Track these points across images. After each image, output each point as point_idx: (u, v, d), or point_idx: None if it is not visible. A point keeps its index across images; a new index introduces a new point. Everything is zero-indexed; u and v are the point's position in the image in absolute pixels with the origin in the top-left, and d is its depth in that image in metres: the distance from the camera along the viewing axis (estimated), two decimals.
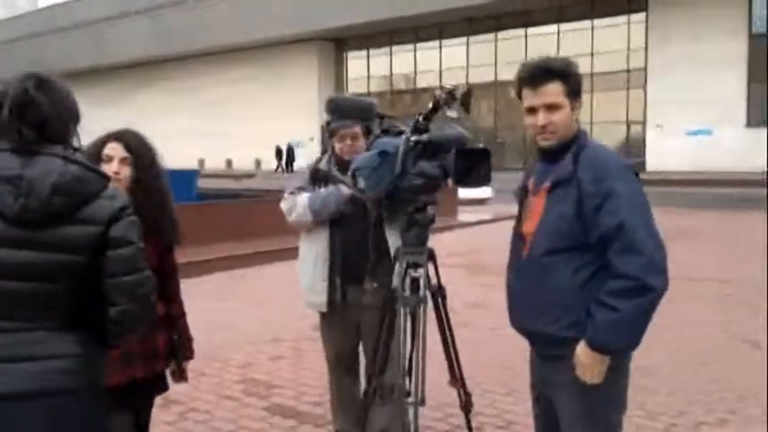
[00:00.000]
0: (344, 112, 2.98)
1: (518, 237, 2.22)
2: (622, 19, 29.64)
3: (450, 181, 2.50)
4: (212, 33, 39.13)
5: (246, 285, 7.81)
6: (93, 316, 1.75)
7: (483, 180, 2.31)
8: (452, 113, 2.37)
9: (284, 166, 37.02)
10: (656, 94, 27.07)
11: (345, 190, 2.95)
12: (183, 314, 2.57)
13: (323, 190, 3.05)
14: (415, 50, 36.30)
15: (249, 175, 31.46)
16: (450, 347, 2.69)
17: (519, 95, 2.15)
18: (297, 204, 3.09)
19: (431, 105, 2.40)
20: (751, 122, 25.78)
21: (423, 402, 2.57)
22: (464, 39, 34.48)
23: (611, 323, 1.99)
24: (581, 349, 2.05)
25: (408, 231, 2.53)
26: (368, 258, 2.91)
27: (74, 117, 1.80)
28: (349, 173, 2.71)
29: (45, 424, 1.66)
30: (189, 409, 3.98)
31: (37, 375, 1.66)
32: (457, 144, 2.34)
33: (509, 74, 29.62)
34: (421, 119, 2.44)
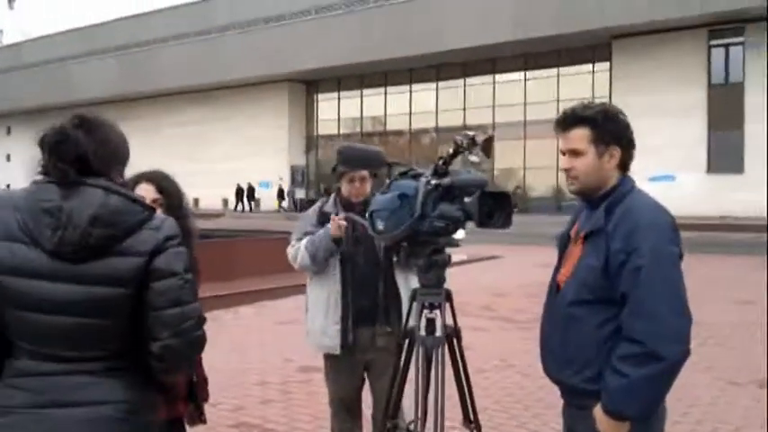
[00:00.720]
0: (353, 160, 3.03)
1: (552, 283, 2.22)
2: (587, 68, 30.59)
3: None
4: (182, 73, 39.16)
5: (224, 327, 7.71)
6: (141, 355, 1.69)
7: (505, 223, 2.36)
8: (474, 158, 2.43)
9: (244, 205, 37.13)
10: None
11: (334, 225, 3.03)
12: (200, 356, 2.54)
13: (319, 233, 3.12)
14: (385, 94, 36.81)
15: (217, 215, 31.20)
16: (465, 388, 2.69)
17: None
18: (299, 250, 3.17)
19: (451, 150, 2.45)
20: (711, 168, 26.63)
21: None
22: (433, 84, 35.12)
23: (621, 390, 1.94)
24: (598, 413, 2.03)
25: (427, 272, 2.55)
26: (377, 297, 2.94)
27: (117, 156, 1.79)
28: (367, 215, 2.74)
29: None
30: None
31: (83, 423, 1.61)
32: (479, 187, 2.38)
33: (477, 119, 30.10)
34: (441, 163, 2.49)
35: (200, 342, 1.73)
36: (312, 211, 3.43)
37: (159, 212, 2.32)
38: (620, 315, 2.00)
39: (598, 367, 2.03)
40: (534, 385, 5.20)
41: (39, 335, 1.64)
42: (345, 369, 3.18)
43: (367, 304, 3.05)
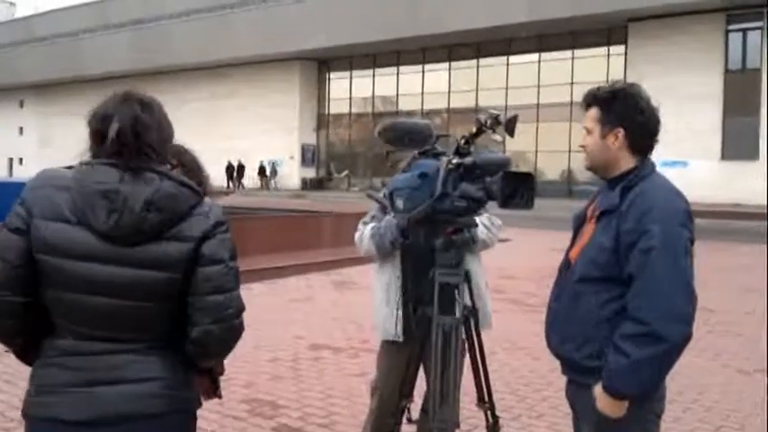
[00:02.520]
0: (405, 140, 2.91)
1: (565, 260, 2.25)
2: (602, 51, 30.26)
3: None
4: (193, 49, 39.05)
5: None
6: (182, 338, 1.70)
7: (527, 204, 2.35)
8: (497, 138, 2.41)
9: (235, 183, 37.33)
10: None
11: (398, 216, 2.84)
12: None
13: (383, 221, 2.93)
14: (397, 74, 36.60)
15: (227, 192, 31.28)
16: (480, 369, 2.70)
17: None
18: (364, 236, 3.02)
19: (474, 129, 2.43)
20: (725, 155, 26.40)
21: (458, 425, 2.57)
22: (446, 64, 34.88)
23: (622, 369, 1.97)
24: (598, 391, 2.05)
25: (445, 252, 2.54)
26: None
27: (171, 136, 1.79)
28: (386, 192, 2.72)
29: None
30: None
31: (121, 399, 1.63)
32: (502, 167, 2.37)
33: (490, 100, 29.82)
34: (463, 142, 2.47)
35: (238, 330, 1.74)
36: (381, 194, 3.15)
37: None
38: (624, 295, 2.03)
39: (599, 345, 2.07)
40: (544, 368, 5.19)
41: (84, 315, 1.64)
42: (404, 357, 2.91)
43: (428, 287, 2.85)
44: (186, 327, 1.68)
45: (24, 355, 1.78)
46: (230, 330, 1.71)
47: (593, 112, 2.15)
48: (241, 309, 1.73)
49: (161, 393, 1.67)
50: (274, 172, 38.70)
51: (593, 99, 2.16)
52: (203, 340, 1.68)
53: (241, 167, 38.18)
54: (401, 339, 2.97)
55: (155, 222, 1.63)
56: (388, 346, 3.10)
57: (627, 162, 2.14)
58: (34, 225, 1.62)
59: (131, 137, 1.65)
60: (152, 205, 1.63)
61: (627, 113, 2.11)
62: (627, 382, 1.98)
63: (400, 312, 2.98)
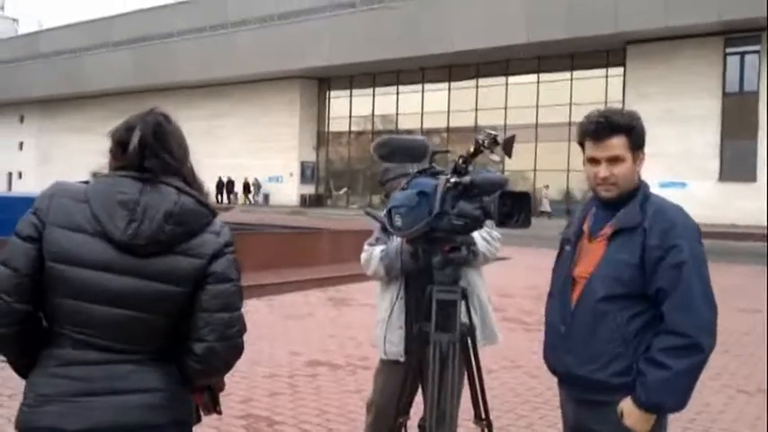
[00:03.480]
0: (400, 156, 2.88)
1: (567, 279, 2.24)
2: (601, 72, 30.47)
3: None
4: (194, 67, 39.29)
5: None
6: (182, 351, 1.72)
7: (524, 223, 2.37)
8: (495, 158, 2.44)
9: (222, 199, 37.48)
10: None
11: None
12: None
13: (393, 244, 2.95)
14: (397, 93, 36.80)
15: (227, 209, 31.32)
16: (478, 386, 2.71)
17: (581, 144, 2.21)
18: (372, 258, 3.05)
19: (472, 149, 2.46)
20: (723, 177, 26.49)
21: None
22: (446, 84, 35.09)
23: (662, 382, 2.00)
24: (628, 407, 2.06)
25: (443, 270, 2.56)
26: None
27: (188, 153, 1.83)
28: (385, 211, 2.75)
29: None
30: None
31: (120, 410, 1.64)
32: (500, 187, 2.39)
33: (489, 120, 29.90)
34: (461, 161, 2.50)
35: (240, 349, 1.77)
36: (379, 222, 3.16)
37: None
38: (648, 310, 2.08)
39: (628, 361, 2.08)
40: (542, 386, 5.20)
41: (90, 325, 1.65)
42: (404, 375, 2.85)
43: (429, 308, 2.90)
44: (188, 342, 1.70)
45: (20, 366, 1.78)
46: (233, 348, 1.73)
47: (621, 140, 2.12)
48: (244, 328, 1.77)
49: (160, 404, 1.68)
50: (258, 187, 38.76)
51: (616, 128, 2.13)
52: (207, 357, 1.70)
53: (231, 183, 38.29)
54: (402, 359, 2.97)
55: (171, 235, 1.66)
56: (386, 363, 3.11)
57: (636, 182, 2.20)
58: (47, 233, 1.64)
59: (152, 140, 1.70)
60: (171, 218, 1.66)
61: (644, 137, 2.20)
62: (667, 395, 2.02)
63: (402, 332, 2.99)
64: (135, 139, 1.69)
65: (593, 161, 2.18)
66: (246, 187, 38.62)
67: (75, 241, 1.63)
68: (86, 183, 1.74)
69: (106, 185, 1.68)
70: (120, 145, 1.73)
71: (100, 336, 1.66)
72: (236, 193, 38.75)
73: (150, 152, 1.70)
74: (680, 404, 2.07)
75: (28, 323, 1.68)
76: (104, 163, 1.78)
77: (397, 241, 2.95)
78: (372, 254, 3.07)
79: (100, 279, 1.63)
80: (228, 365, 1.78)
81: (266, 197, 39.20)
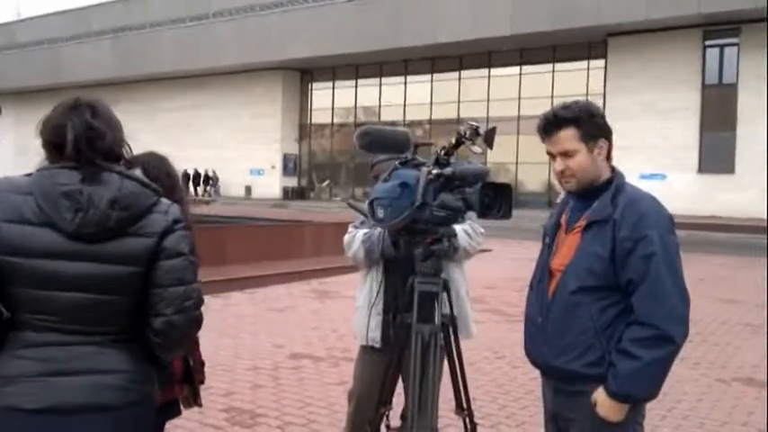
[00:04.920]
0: (382, 147, 2.92)
1: (545, 271, 2.26)
2: (582, 65, 30.62)
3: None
4: (175, 57, 38.90)
5: (215, 313, 7.71)
6: (142, 331, 1.77)
7: (505, 214, 2.38)
8: (477, 149, 2.44)
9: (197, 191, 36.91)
10: (614, 139, 27.76)
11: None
12: (197, 339, 2.54)
13: (377, 230, 2.97)
14: (380, 85, 36.72)
15: (207, 202, 31.13)
16: (459, 376, 2.72)
17: (543, 141, 2.24)
18: (354, 240, 3.07)
19: (453, 141, 2.46)
20: (702, 169, 26.79)
21: None
22: (428, 76, 35.06)
23: (633, 372, 2.02)
24: (600, 396, 2.09)
25: (424, 261, 2.57)
26: None
27: (122, 134, 1.85)
28: (367, 202, 2.75)
29: None
30: None
31: (90, 389, 1.68)
32: (481, 178, 2.40)
33: (471, 112, 29.91)
34: (443, 153, 2.50)
35: (198, 320, 1.82)
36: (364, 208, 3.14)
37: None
38: (620, 301, 2.09)
39: (600, 351, 2.10)
40: (524, 377, 5.24)
41: (49, 310, 1.69)
42: (381, 362, 2.92)
43: (409, 298, 2.92)
44: (148, 318, 1.75)
45: None
46: (191, 320, 1.78)
47: (569, 132, 2.14)
48: (201, 300, 1.81)
49: (121, 386, 1.73)
50: (216, 179, 38.14)
51: (563, 121, 2.15)
52: (165, 331, 1.74)
53: (197, 176, 37.64)
54: (378, 345, 3.03)
55: (119, 219, 1.71)
56: (365, 352, 3.15)
57: (605, 172, 2.20)
58: None
59: (85, 145, 1.72)
60: (116, 203, 1.71)
61: (605, 124, 2.20)
62: (638, 385, 2.04)
63: (380, 318, 3.03)
64: (70, 142, 1.71)
65: (550, 155, 2.21)
66: (206, 180, 37.47)
67: (22, 233, 1.67)
68: (29, 175, 1.76)
69: (46, 177, 1.72)
70: (49, 144, 1.76)
71: (62, 320, 1.70)
72: (198, 186, 37.45)
73: (87, 147, 1.73)
74: (650, 394, 2.09)
75: None
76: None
77: (379, 229, 2.96)
78: (355, 236, 3.09)
79: (53, 267, 1.68)
80: (188, 337, 1.83)
81: (217, 190, 38.25)
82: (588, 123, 2.16)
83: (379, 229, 2.96)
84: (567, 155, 2.16)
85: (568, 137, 2.15)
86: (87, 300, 1.69)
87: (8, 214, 1.68)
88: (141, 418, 1.79)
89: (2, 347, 1.73)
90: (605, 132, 2.20)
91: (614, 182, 2.18)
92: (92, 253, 1.69)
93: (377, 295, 3.05)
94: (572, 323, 2.14)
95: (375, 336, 3.05)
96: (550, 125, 2.18)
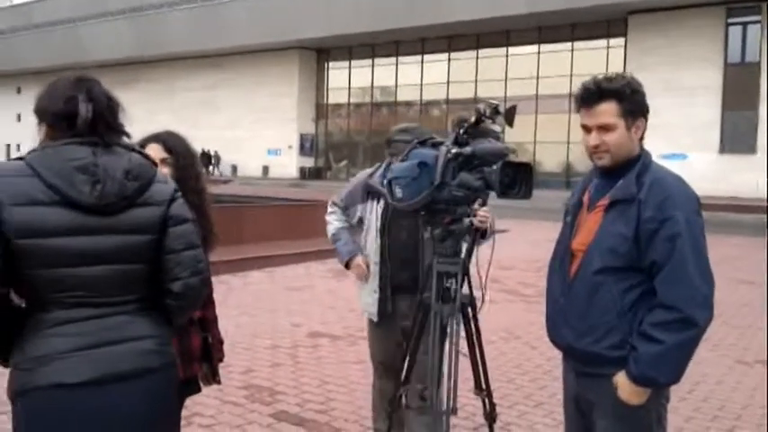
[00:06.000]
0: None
1: (566, 251, 2.22)
2: (602, 42, 30.18)
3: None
4: (191, 37, 38.84)
5: (233, 291, 7.77)
6: (161, 295, 1.84)
7: (525, 194, 2.36)
8: (496, 127, 2.41)
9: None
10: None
11: (356, 269, 3.27)
12: (215, 317, 2.56)
13: (343, 240, 3.35)
14: (396, 64, 36.47)
15: (225, 181, 31.26)
16: (478, 356, 2.72)
17: (578, 112, 2.15)
18: (330, 229, 3.44)
19: (473, 119, 2.44)
20: (724, 149, 26.42)
21: (455, 412, 2.59)
22: (445, 55, 34.76)
23: (653, 356, 1.98)
24: (622, 380, 2.06)
25: (443, 242, 2.56)
26: (418, 270, 3.02)
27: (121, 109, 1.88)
28: (385, 182, 2.74)
29: (141, 403, 1.75)
30: (193, 413, 3.94)
31: (132, 356, 1.75)
32: (501, 157, 2.37)
33: (489, 91, 29.53)
34: (461, 132, 2.48)
35: (208, 280, 1.95)
36: (358, 182, 3.37)
37: (167, 171, 2.35)
38: (643, 282, 2.04)
39: (622, 334, 2.06)
40: (541, 357, 5.24)
41: (77, 286, 1.71)
42: (382, 335, 3.29)
43: (406, 276, 3.11)
44: (165, 284, 1.81)
45: None
46: (204, 280, 1.89)
47: (611, 106, 2.06)
48: (208, 262, 1.93)
49: (155, 350, 1.80)
50: (218, 159, 37.96)
51: (606, 93, 2.06)
52: (185, 292, 1.82)
53: (208, 156, 37.36)
54: (376, 319, 3.25)
55: (133, 189, 1.76)
56: (370, 324, 3.38)
57: (636, 151, 2.13)
58: (7, 213, 1.65)
59: (107, 112, 1.78)
60: (130, 173, 1.76)
61: (645, 103, 2.12)
62: (659, 369, 2.00)
63: (376, 296, 3.21)
64: (86, 112, 1.73)
65: (585, 129, 2.13)
66: (209, 159, 36.65)
67: (36, 214, 1.67)
68: (20, 159, 1.75)
69: (53, 155, 1.72)
70: (59, 116, 1.75)
71: (90, 294, 1.73)
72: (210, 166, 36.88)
73: (106, 126, 1.77)
74: (673, 378, 2.05)
75: (3, 305, 1.73)
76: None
77: (340, 243, 3.37)
78: (331, 225, 3.44)
79: (74, 243, 1.69)
80: (202, 297, 1.93)
81: (233, 168, 38.16)
82: (630, 99, 2.08)
83: (342, 244, 3.35)
84: (604, 129, 2.08)
85: (609, 110, 2.06)
86: (111, 271, 1.73)
87: (16, 198, 1.66)
88: (174, 378, 1.88)
89: (27, 331, 1.72)
90: (644, 111, 2.11)
91: (641, 160, 2.11)
92: (109, 225, 1.72)
93: (374, 274, 3.22)
94: (594, 304, 2.10)
95: (373, 311, 3.25)
96: (591, 96, 2.08)
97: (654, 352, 1.98)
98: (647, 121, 2.13)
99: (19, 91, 53.00)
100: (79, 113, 1.73)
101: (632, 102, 2.08)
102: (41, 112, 1.78)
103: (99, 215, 1.71)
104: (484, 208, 2.86)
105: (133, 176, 1.76)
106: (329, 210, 3.46)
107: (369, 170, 3.38)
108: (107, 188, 1.70)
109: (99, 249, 1.71)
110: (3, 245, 1.64)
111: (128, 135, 1.86)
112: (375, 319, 3.26)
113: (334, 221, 3.43)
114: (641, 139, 2.14)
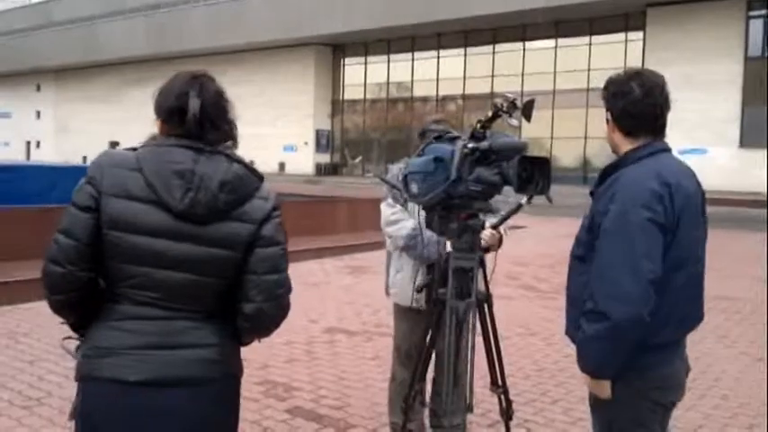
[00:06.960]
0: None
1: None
2: (620, 37, 29.91)
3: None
4: (208, 34, 39.07)
5: None
6: (231, 311, 1.79)
7: (543, 190, 2.34)
8: (514, 122, 2.39)
9: None
10: None
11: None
12: None
13: (426, 238, 2.99)
14: (412, 59, 36.42)
15: None
16: (494, 353, 2.70)
17: None
18: (400, 227, 3.10)
19: (490, 113, 2.41)
20: (744, 143, 26.09)
21: (471, 409, 2.58)
22: (461, 50, 34.64)
23: (579, 344, 2.06)
24: None
25: (460, 237, 2.54)
26: None
27: (234, 116, 1.86)
28: (400, 177, 2.72)
29: (194, 409, 1.72)
30: None
31: (187, 363, 1.71)
32: (519, 152, 2.35)
33: (505, 86, 29.45)
34: (479, 126, 2.46)
35: (286, 309, 1.84)
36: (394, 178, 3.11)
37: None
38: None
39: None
40: (558, 354, 5.21)
41: (149, 287, 1.71)
42: (412, 324, 3.18)
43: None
44: (238, 302, 1.77)
45: (79, 327, 1.83)
46: (279, 308, 1.81)
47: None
48: (290, 288, 1.83)
49: (217, 359, 1.76)
50: None
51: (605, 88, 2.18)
52: (255, 316, 1.77)
53: None
54: (409, 304, 3.14)
55: (226, 202, 1.71)
56: (401, 310, 3.26)
57: (624, 146, 2.13)
58: (104, 203, 1.67)
59: (214, 111, 1.75)
60: (225, 186, 1.71)
61: (612, 99, 2.12)
62: (581, 357, 2.06)
63: (412, 284, 3.10)
64: (195, 108, 1.71)
65: None
66: None
67: (130, 209, 1.67)
68: (134, 149, 1.75)
69: (158, 154, 1.71)
70: (171, 111, 1.74)
71: (161, 297, 1.72)
72: None
73: (211, 124, 1.74)
74: (594, 369, 2.04)
75: (89, 289, 1.74)
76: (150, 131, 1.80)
77: (428, 234, 2.96)
78: (402, 224, 3.12)
79: (157, 245, 1.68)
80: (276, 324, 1.84)
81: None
82: (606, 96, 2.14)
83: (428, 234, 2.93)
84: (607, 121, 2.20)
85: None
86: (186, 280, 1.71)
87: (116, 190, 1.68)
88: (232, 391, 1.83)
89: (97, 318, 1.75)
90: (611, 106, 2.13)
91: (624, 158, 2.11)
92: (194, 234, 1.69)
93: (411, 261, 3.14)
94: (567, 290, 2.19)
95: (419, 297, 3.11)
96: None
97: (579, 340, 2.05)
98: (617, 119, 2.11)
99: (39, 88, 53.59)
100: (189, 109, 1.71)
101: (606, 99, 2.13)
102: (156, 108, 1.78)
103: (188, 222, 1.69)
104: (489, 229, 2.82)
105: (229, 189, 1.71)
106: (390, 212, 3.18)
107: (401, 164, 3.21)
108: (198, 197, 1.68)
109: (179, 256, 1.69)
110: (96, 231, 1.68)
111: (234, 138, 1.81)
112: (408, 303, 3.13)
113: (404, 221, 3.13)
114: (628, 134, 2.10)
